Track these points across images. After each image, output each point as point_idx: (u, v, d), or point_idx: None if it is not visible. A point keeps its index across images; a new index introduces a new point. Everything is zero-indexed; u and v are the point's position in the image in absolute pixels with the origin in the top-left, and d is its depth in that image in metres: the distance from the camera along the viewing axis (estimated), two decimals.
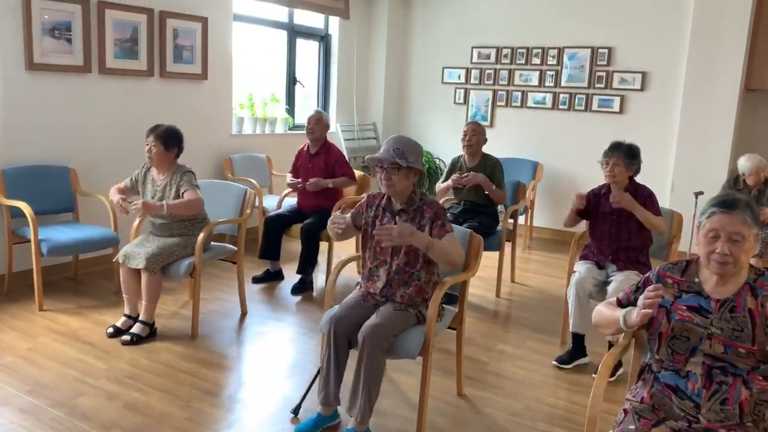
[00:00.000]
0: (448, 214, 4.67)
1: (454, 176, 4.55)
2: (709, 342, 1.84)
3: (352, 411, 2.64)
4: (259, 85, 6.37)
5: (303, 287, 4.63)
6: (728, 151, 5.60)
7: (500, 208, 4.96)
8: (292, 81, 6.60)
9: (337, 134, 6.94)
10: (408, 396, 3.14)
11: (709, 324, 1.84)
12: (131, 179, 3.86)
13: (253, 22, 6.13)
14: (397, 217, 2.80)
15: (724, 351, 1.82)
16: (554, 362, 3.58)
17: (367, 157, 2.88)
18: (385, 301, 2.81)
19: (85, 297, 4.28)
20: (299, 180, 4.74)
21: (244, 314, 4.15)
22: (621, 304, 2.06)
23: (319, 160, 4.77)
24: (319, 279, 4.91)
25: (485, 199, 4.64)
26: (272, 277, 4.84)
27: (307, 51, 6.88)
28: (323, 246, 4.73)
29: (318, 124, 4.75)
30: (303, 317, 4.18)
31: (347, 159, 5.16)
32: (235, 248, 4.07)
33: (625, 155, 3.54)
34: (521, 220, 6.10)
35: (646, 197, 3.56)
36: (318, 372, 2.81)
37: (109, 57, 4.71)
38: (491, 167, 4.59)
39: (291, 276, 4.80)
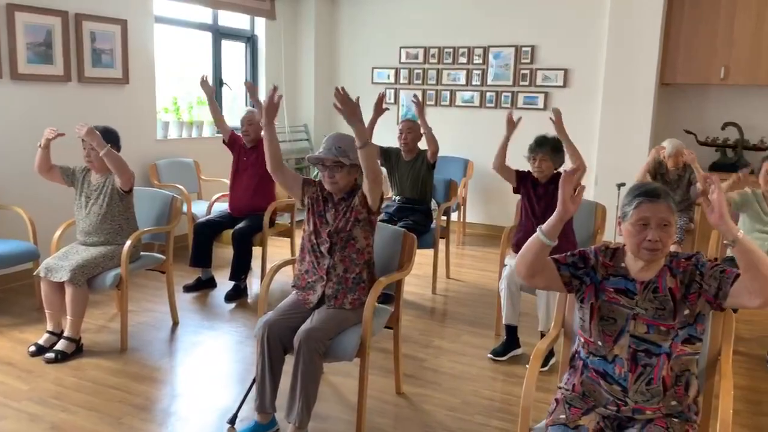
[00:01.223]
0: (383, 213, 4.72)
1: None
2: (634, 322, 1.92)
3: (290, 417, 2.61)
4: (185, 89, 6.20)
5: (237, 294, 4.54)
6: (647, 143, 5.84)
7: (433, 205, 5.03)
8: (218, 83, 6.46)
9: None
10: (347, 398, 3.12)
11: (635, 305, 1.92)
12: (69, 168, 3.72)
13: (176, 24, 5.97)
14: (336, 206, 2.83)
15: (647, 330, 1.90)
16: (489, 355, 3.65)
17: (309, 156, 2.86)
18: (324, 285, 2.80)
19: (3, 315, 4.06)
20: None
21: (175, 324, 4.03)
22: (558, 261, 2.03)
23: (255, 159, 4.70)
24: (253, 285, 4.83)
25: (420, 195, 4.69)
26: (204, 285, 4.72)
27: (234, 52, 6.75)
28: (256, 251, 4.65)
29: (252, 124, 4.69)
30: (238, 325, 4.10)
31: None
32: (164, 257, 3.95)
33: (551, 150, 3.66)
34: (454, 216, 6.19)
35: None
36: (254, 380, 2.76)
37: (21, 62, 4.48)
38: (424, 158, 4.68)
39: (224, 283, 4.70)
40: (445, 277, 5.16)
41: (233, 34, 6.66)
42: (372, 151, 2.67)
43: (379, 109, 4.56)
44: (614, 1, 5.83)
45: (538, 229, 1.93)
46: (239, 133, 4.82)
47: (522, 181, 3.82)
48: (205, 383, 3.28)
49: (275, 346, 2.68)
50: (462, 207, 6.44)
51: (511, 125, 3.78)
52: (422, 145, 4.76)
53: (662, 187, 1.93)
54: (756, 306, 1.76)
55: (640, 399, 1.90)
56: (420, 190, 4.70)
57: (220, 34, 6.44)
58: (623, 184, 5.54)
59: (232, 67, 6.73)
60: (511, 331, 3.67)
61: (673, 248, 5.22)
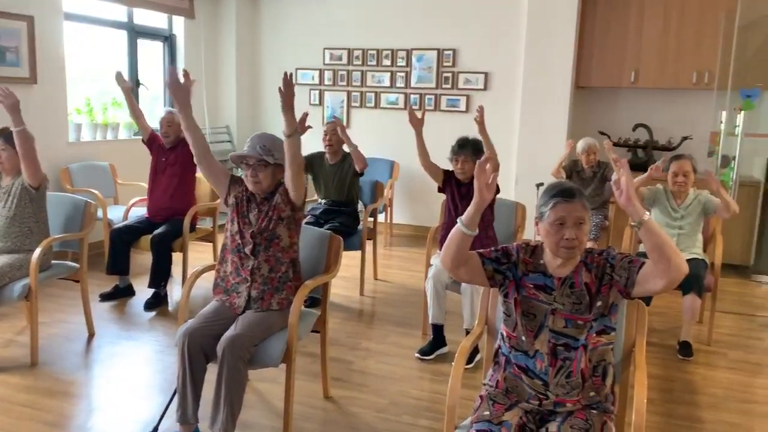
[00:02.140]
0: (309, 216, 4.67)
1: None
2: (553, 317, 1.97)
3: (214, 427, 2.53)
4: (99, 89, 5.94)
5: (157, 302, 4.38)
6: (563, 143, 6.03)
7: (360, 207, 5.02)
8: (135, 84, 6.22)
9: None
10: (273, 404, 3.06)
11: (553, 300, 1.99)
12: None
13: (88, 21, 5.70)
14: (259, 206, 2.79)
15: (566, 325, 1.96)
16: (417, 354, 3.67)
17: (232, 155, 2.79)
18: (246, 300, 2.74)
19: None
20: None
21: (91, 336, 3.84)
22: (482, 255, 2.06)
23: (174, 158, 4.55)
24: (174, 292, 4.67)
25: (346, 197, 4.67)
26: (122, 293, 4.53)
27: (151, 52, 6.52)
28: (176, 257, 4.50)
29: (171, 125, 4.53)
30: (158, 334, 3.95)
31: None
32: (78, 266, 3.76)
33: (473, 152, 3.73)
34: (381, 218, 6.22)
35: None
36: (175, 390, 2.66)
37: None
38: (349, 161, 4.65)
39: (143, 291, 4.52)
40: (373, 278, 5.17)
41: (150, 33, 6.43)
42: (298, 141, 2.67)
43: (301, 128, 4.50)
44: (531, 8, 6.01)
45: (458, 220, 1.97)
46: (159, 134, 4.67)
47: (447, 180, 3.88)
48: (123, 396, 3.14)
49: (196, 354, 2.59)
50: (389, 208, 6.47)
51: (416, 122, 3.83)
52: (347, 147, 4.75)
53: (576, 187, 2.00)
54: (661, 288, 1.85)
55: (561, 392, 1.96)
56: (346, 192, 4.68)
57: (135, 32, 6.20)
58: (542, 184, 5.71)
59: (150, 67, 6.50)
60: (438, 330, 3.71)
61: (589, 245, 5.45)
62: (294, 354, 2.67)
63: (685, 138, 5.95)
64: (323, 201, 4.74)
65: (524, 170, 6.15)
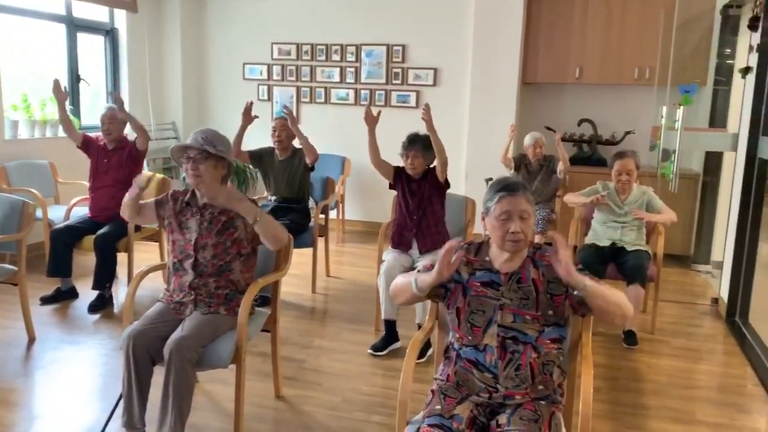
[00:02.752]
0: None
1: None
2: (501, 313, 1.99)
3: (162, 431, 2.47)
4: (37, 85, 5.71)
5: (102, 304, 4.24)
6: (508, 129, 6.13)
7: (311, 204, 4.98)
8: (75, 79, 6.02)
9: (131, 135, 6.44)
10: (224, 406, 3.01)
11: (500, 295, 2.01)
12: None
13: (23, 14, 5.47)
14: (201, 212, 2.70)
15: (514, 320, 1.99)
16: (369, 351, 3.67)
17: (173, 147, 2.71)
18: (194, 299, 2.67)
19: None
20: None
21: (32, 341, 3.70)
22: (419, 271, 2.13)
23: (118, 157, 4.42)
24: (119, 293, 4.54)
25: (297, 194, 4.62)
26: (64, 295, 4.37)
27: (92, 46, 6.31)
28: (121, 257, 4.37)
29: (113, 122, 4.39)
30: (103, 337, 3.83)
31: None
32: (16, 268, 3.61)
33: (422, 147, 3.73)
34: (333, 214, 6.19)
35: (432, 174, 3.78)
36: (120, 395, 2.59)
37: None
38: (301, 157, 4.60)
39: (86, 293, 4.37)
40: (325, 275, 5.13)
41: (90, 27, 6.22)
42: (268, 221, 2.64)
43: (247, 118, 4.47)
44: (478, 5, 6.07)
45: (413, 280, 2.04)
46: (96, 134, 4.51)
47: (398, 176, 3.88)
48: (67, 402, 3.03)
49: (142, 357, 2.52)
50: (340, 205, 6.44)
51: (371, 119, 3.82)
52: (297, 143, 4.70)
53: (521, 182, 2.03)
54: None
55: (510, 385, 1.98)
56: (297, 189, 4.63)
57: (75, 26, 5.98)
58: (491, 179, 5.80)
59: (91, 61, 6.29)
60: (390, 325, 3.71)
61: (537, 239, 5.56)
62: (244, 354, 2.63)
63: (628, 132, 6.12)
64: (273, 198, 4.68)
65: (474, 165, 6.21)
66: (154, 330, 2.58)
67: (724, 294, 4.55)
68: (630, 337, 3.92)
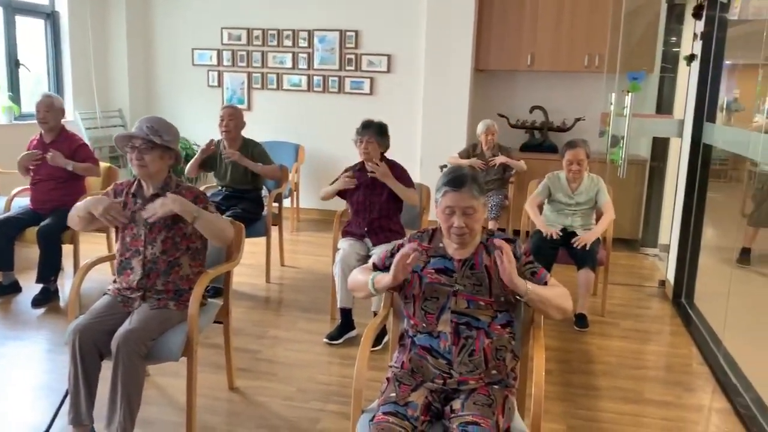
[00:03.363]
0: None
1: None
2: (455, 299, 2.01)
3: (111, 427, 2.39)
4: None
5: (46, 298, 4.09)
6: (465, 127, 6.17)
7: (264, 192, 4.90)
8: (14, 64, 5.76)
9: (76, 122, 6.24)
10: (176, 399, 2.95)
11: (454, 282, 2.02)
12: None
13: None
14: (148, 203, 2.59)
15: (467, 306, 2.00)
16: (325, 339, 3.64)
17: (117, 136, 2.61)
18: (142, 296, 2.59)
19: None
20: (38, 152, 4.14)
21: None
22: (376, 267, 2.16)
23: (57, 149, 4.23)
24: (65, 287, 4.38)
25: (248, 183, 4.54)
26: (6, 290, 4.20)
27: (32, 30, 6.05)
28: (66, 249, 4.22)
29: (50, 111, 4.19)
30: (48, 332, 3.70)
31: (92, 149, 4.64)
32: None
33: (376, 133, 3.71)
34: (287, 203, 6.11)
35: (398, 170, 3.77)
36: (66, 391, 2.50)
37: None
38: (251, 152, 4.48)
39: (30, 286, 4.20)
40: (280, 264, 5.07)
41: (29, 10, 5.95)
42: (208, 219, 2.55)
43: (205, 151, 4.33)
44: None
45: (370, 281, 2.06)
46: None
47: (343, 193, 3.87)
48: (10, 400, 2.92)
49: (89, 351, 2.44)
50: (295, 193, 6.37)
51: (350, 180, 3.77)
52: (246, 133, 4.59)
53: (468, 175, 2.01)
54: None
55: (464, 371, 1.99)
56: (249, 179, 4.52)
57: (13, 8, 5.72)
58: (445, 166, 5.82)
59: (32, 46, 6.03)
60: (346, 313, 3.69)
61: (491, 225, 5.61)
62: (195, 347, 2.57)
63: (578, 119, 6.22)
64: (223, 188, 4.58)
65: (428, 152, 6.22)
66: (101, 323, 2.50)
67: (671, 276, 4.69)
68: (581, 320, 4.00)
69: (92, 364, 2.46)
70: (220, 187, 4.61)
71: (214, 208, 2.67)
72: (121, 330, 2.42)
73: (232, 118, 4.42)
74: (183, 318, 2.60)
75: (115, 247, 2.72)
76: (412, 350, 2.06)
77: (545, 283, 2.05)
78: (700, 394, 3.21)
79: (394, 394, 1.97)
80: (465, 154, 5.58)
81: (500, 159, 5.34)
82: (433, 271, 2.05)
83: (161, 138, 2.55)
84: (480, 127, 5.47)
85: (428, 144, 6.25)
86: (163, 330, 2.54)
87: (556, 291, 2.03)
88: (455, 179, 1.98)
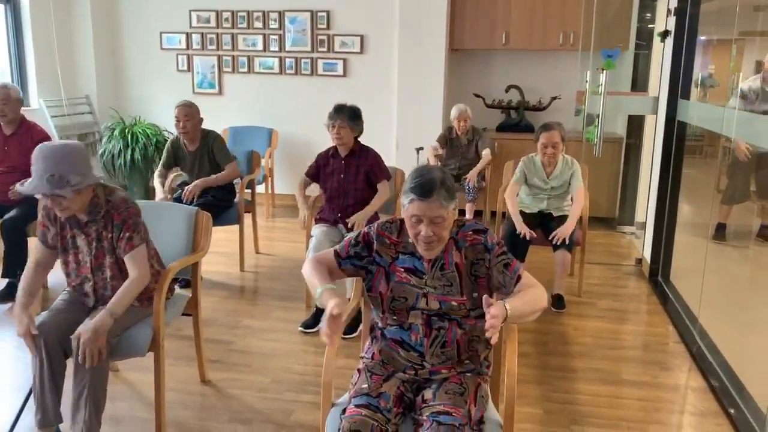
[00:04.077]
0: (178, 191, 4.39)
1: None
2: (425, 300, 1.92)
3: (76, 426, 2.32)
4: None
5: (11, 293, 3.97)
6: (440, 107, 6.10)
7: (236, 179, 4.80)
8: None
9: (41, 111, 6.06)
10: (146, 394, 2.87)
11: (424, 284, 1.92)
12: None
13: None
14: (84, 229, 2.41)
15: (440, 307, 1.92)
16: (300, 328, 3.59)
17: (13, 191, 2.38)
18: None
19: None
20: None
21: None
22: (339, 255, 2.01)
23: (18, 141, 4.09)
24: None
25: (218, 171, 4.42)
26: None
27: None
28: (33, 242, 4.09)
29: (7, 103, 4.02)
30: (14, 328, 3.59)
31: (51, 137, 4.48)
32: None
33: (349, 117, 3.63)
34: (261, 189, 6.01)
35: (372, 158, 3.70)
36: (30, 390, 2.42)
37: None
38: (211, 146, 4.29)
39: None
40: (254, 252, 4.99)
41: None
42: (123, 303, 2.34)
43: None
44: None
45: (318, 291, 1.88)
46: None
47: (320, 166, 3.79)
48: None
49: (54, 349, 2.36)
50: (269, 178, 6.26)
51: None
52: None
53: (437, 180, 1.81)
54: None
55: (437, 362, 1.94)
56: (215, 170, 4.37)
57: None
58: (421, 148, 5.76)
59: None
60: None
61: (468, 207, 5.56)
62: (162, 341, 2.49)
63: (554, 98, 6.17)
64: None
65: (404, 134, 6.14)
66: (65, 319, 2.41)
67: (647, 254, 4.69)
68: (558, 301, 3.98)
69: (58, 362, 2.38)
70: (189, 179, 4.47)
71: (140, 238, 2.41)
72: (83, 326, 2.33)
73: (189, 118, 4.18)
74: (149, 312, 2.52)
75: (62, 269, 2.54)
76: (383, 342, 2.01)
77: (518, 278, 1.91)
78: (677, 374, 3.21)
79: (366, 386, 1.92)
80: (443, 140, 5.55)
81: (471, 176, 5.33)
82: (402, 269, 1.94)
83: (71, 186, 2.23)
84: (453, 112, 5.44)
85: (404, 126, 6.17)
86: (129, 325, 2.46)
87: (532, 297, 1.88)
88: (423, 187, 1.80)
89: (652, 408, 2.86)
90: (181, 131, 4.20)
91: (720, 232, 4.28)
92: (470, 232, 1.93)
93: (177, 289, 2.87)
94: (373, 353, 2.03)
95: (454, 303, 1.92)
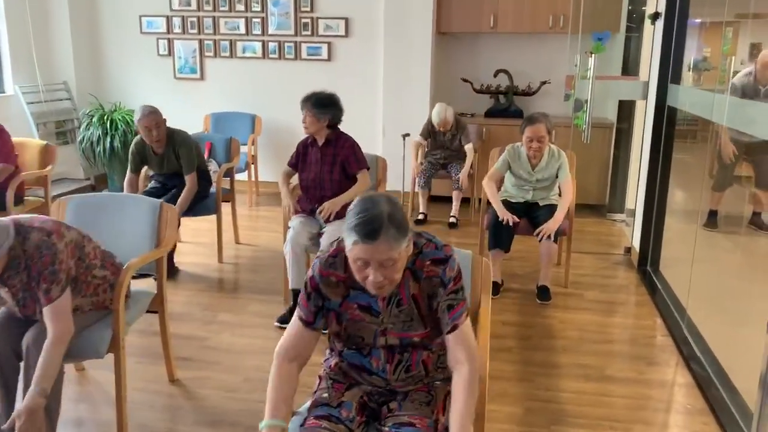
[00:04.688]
0: (153, 182, 4.26)
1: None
2: (384, 338, 1.72)
3: None
4: None
5: None
6: (428, 92, 5.95)
7: (213, 167, 4.67)
8: None
9: (17, 97, 5.89)
10: (112, 395, 2.72)
11: (381, 322, 1.71)
12: None
13: None
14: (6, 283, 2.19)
15: (400, 343, 1.74)
16: (276, 323, 3.48)
17: None
18: None
19: None
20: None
21: None
22: (307, 322, 1.75)
23: None
24: None
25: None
26: None
27: None
28: None
29: None
30: None
31: None
32: None
33: (313, 106, 3.49)
34: (244, 176, 5.88)
35: (348, 148, 3.56)
36: None
37: None
38: (178, 147, 4.06)
39: None
40: (234, 242, 4.85)
41: None
42: (49, 376, 2.10)
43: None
44: None
45: (268, 417, 1.66)
46: None
47: (300, 155, 3.67)
48: None
49: (5, 352, 2.24)
50: (252, 165, 6.11)
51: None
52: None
53: (383, 218, 1.52)
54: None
55: (402, 384, 1.79)
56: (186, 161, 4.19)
57: None
58: (408, 135, 5.63)
59: None
60: (298, 295, 3.51)
61: (454, 195, 5.44)
62: (122, 343, 2.37)
63: (543, 83, 6.03)
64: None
65: (391, 120, 6.00)
66: (16, 322, 2.29)
67: (637, 243, 4.58)
68: (543, 293, 3.87)
69: (10, 366, 2.26)
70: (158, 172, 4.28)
71: (58, 291, 2.15)
72: (32, 329, 2.21)
73: (159, 125, 3.95)
74: (108, 312, 2.40)
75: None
76: (343, 360, 1.83)
77: (454, 327, 1.66)
78: (664, 369, 3.11)
79: (326, 395, 1.80)
80: (426, 133, 5.42)
81: (462, 178, 5.24)
82: (354, 306, 1.71)
83: None
84: (434, 118, 5.27)
85: (390, 111, 6.02)
86: (85, 326, 2.34)
87: (469, 405, 1.62)
88: (367, 226, 1.51)
89: (637, 406, 2.76)
90: (153, 140, 3.97)
91: (711, 219, 4.16)
92: (428, 262, 1.67)
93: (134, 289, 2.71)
94: (332, 365, 1.88)
95: (416, 339, 1.72)
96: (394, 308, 1.71)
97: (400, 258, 1.57)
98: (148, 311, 2.73)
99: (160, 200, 2.75)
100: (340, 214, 3.50)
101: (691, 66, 4.39)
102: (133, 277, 2.54)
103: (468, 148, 5.34)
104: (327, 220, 3.50)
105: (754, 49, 3.91)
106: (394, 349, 1.75)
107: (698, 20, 4.29)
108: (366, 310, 1.72)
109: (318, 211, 3.48)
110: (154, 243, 2.68)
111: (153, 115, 3.94)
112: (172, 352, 2.90)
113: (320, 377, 1.89)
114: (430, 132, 5.41)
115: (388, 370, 1.76)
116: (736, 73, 3.73)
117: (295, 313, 1.79)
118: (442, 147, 5.44)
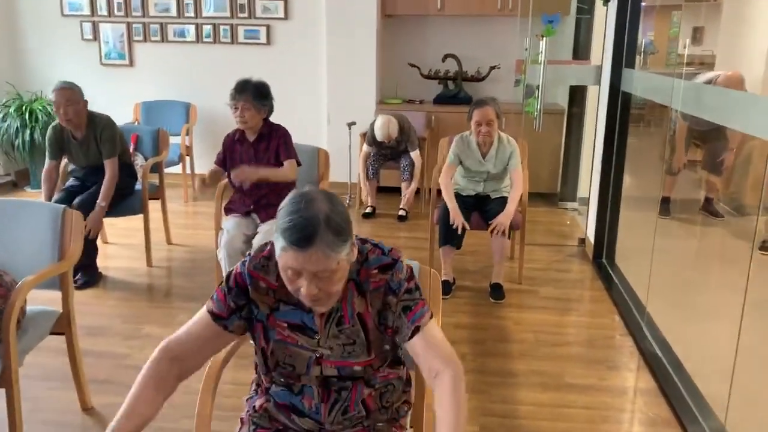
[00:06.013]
0: (70, 180, 3.87)
1: None
2: (319, 367, 1.45)
3: None
4: None
5: None
6: (373, 78, 5.66)
7: (140, 161, 4.28)
8: None
9: None
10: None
11: (317, 345, 1.44)
12: None
13: None
14: None
15: (338, 374, 1.46)
16: None
17: None
18: None
19: None
20: None
21: None
22: (218, 316, 1.44)
23: None
24: None
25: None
26: None
27: None
28: None
29: None
30: None
31: None
32: None
33: (254, 96, 3.15)
34: (178, 169, 5.49)
35: (280, 138, 3.25)
36: None
37: None
38: (100, 131, 3.67)
39: None
40: (166, 243, 4.48)
41: None
42: None
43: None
44: None
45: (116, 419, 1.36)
46: None
47: (227, 152, 3.31)
48: None
49: None
50: (188, 157, 5.72)
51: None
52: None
53: (318, 220, 1.25)
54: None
55: (339, 429, 1.52)
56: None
57: None
58: (354, 123, 5.34)
59: None
60: None
61: (403, 186, 5.18)
62: (15, 376, 2.04)
63: (493, 67, 5.80)
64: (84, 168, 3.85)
65: (336, 108, 5.70)
66: None
67: (591, 233, 4.42)
68: (496, 291, 3.67)
69: None
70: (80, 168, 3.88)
71: None
72: None
73: (71, 103, 3.52)
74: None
75: None
76: (270, 400, 1.55)
77: (416, 329, 1.40)
78: (625, 373, 2.94)
79: None
80: (370, 140, 5.07)
81: (409, 194, 5.02)
82: (285, 325, 1.44)
83: None
84: (377, 134, 4.91)
85: (335, 99, 5.72)
86: None
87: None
88: (298, 231, 1.25)
89: (600, 418, 2.56)
90: (63, 119, 3.54)
91: (665, 206, 4.03)
92: (375, 270, 1.41)
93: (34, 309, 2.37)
94: (257, 406, 1.59)
95: (357, 368, 1.45)
96: (334, 327, 1.43)
97: (339, 268, 1.31)
98: (52, 333, 2.38)
99: (63, 206, 2.40)
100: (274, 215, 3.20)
101: (641, 49, 4.26)
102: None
103: (414, 155, 5.05)
104: (263, 219, 3.20)
105: (697, 33, 3.80)
106: (330, 383, 1.47)
107: (649, 3, 4.13)
108: (298, 330, 1.43)
109: (233, 177, 3.15)
110: (57, 255, 2.33)
111: (64, 90, 3.52)
112: (85, 377, 2.55)
113: (242, 420, 1.60)
114: (373, 140, 5.07)
115: (323, 410, 1.49)
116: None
117: (204, 306, 1.47)
118: (388, 149, 5.14)
